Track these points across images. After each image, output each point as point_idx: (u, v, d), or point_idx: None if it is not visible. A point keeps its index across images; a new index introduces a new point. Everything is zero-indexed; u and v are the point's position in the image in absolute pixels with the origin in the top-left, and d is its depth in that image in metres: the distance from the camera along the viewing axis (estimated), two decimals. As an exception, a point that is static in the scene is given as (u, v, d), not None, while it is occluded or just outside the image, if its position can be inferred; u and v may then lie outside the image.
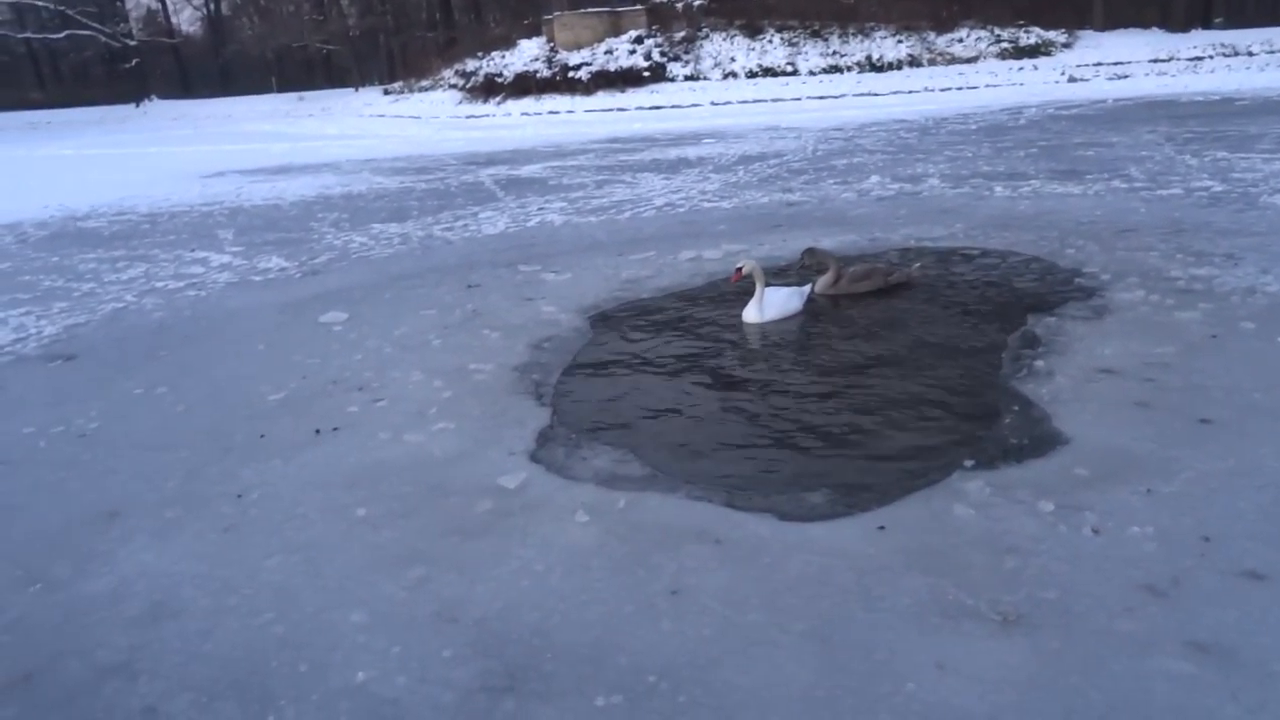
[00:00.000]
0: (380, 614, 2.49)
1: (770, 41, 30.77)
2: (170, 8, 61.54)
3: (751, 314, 4.93)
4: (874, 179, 9.64)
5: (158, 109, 47.15)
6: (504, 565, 2.68)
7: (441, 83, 36.75)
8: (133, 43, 54.45)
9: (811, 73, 28.80)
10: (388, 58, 54.29)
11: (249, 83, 57.73)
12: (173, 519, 3.15)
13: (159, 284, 7.05)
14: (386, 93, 41.58)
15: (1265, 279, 4.93)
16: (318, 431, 3.81)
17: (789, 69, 29.22)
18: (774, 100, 25.20)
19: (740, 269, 4.95)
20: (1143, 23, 31.50)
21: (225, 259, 7.88)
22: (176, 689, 2.25)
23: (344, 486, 3.28)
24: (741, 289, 5.18)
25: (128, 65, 53.17)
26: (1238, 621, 2.21)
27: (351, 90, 49.36)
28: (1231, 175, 8.22)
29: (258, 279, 7.02)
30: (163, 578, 2.77)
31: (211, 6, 63.75)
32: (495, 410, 3.92)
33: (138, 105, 48.19)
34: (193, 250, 8.38)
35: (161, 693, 2.25)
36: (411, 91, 38.78)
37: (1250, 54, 25.15)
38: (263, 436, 3.81)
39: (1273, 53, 24.94)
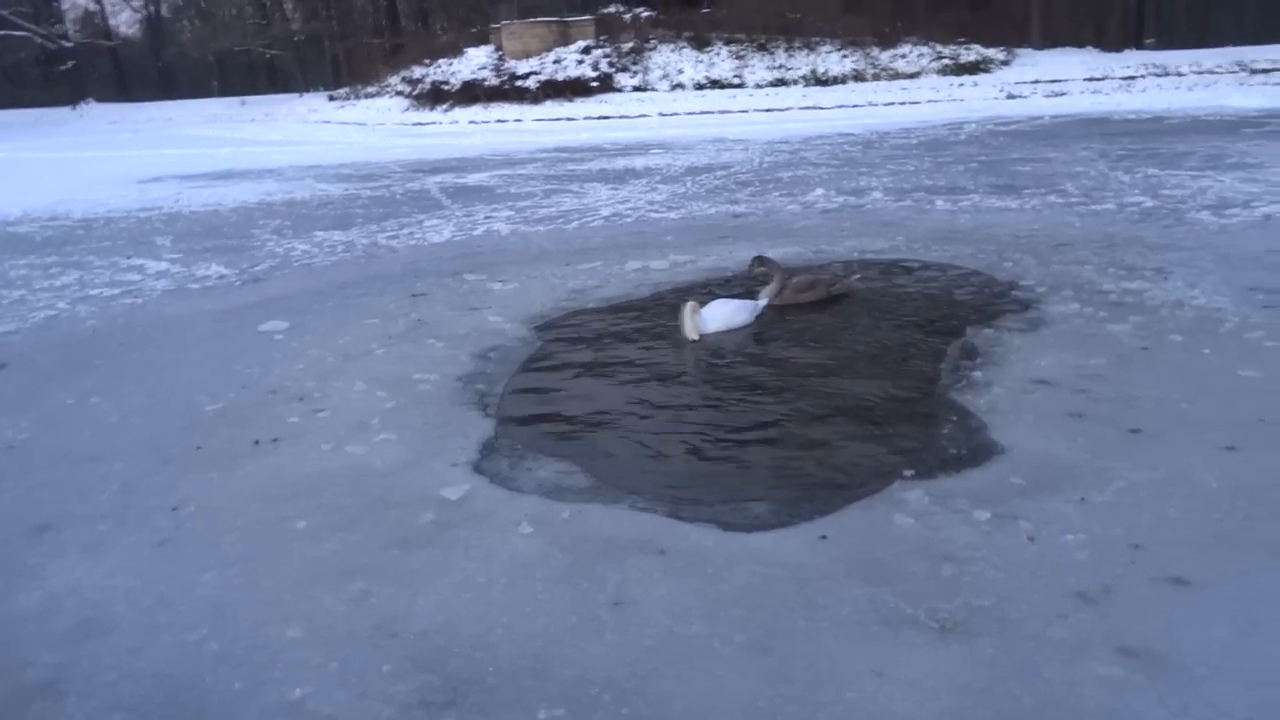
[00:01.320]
0: (319, 628, 2.45)
1: (718, 54, 31.06)
2: (108, 9, 60.07)
3: (710, 324, 4.92)
4: (819, 191, 9.77)
5: (95, 112, 46.00)
6: (446, 578, 2.66)
7: (388, 89, 36.44)
8: (69, 44, 53.04)
9: (758, 86, 29.12)
10: (333, 63, 53.62)
11: (190, 86, 56.64)
12: (105, 533, 3.07)
13: (93, 291, 6.87)
14: (331, 99, 41.06)
15: (1193, 293, 5.09)
16: (257, 442, 3.75)
17: (736, 81, 29.51)
18: (721, 112, 25.42)
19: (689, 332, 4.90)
20: (1078, 42, 32.40)
21: (163, 266, 7.71)
22: (106, 708, 2.19)
23: (283, 499, 3.23)
24: (694, 297, 5.20)
25: (64, 67, 51.79)
26: (1165, 627, 2.27)
27: (296, 95, 48.65)
28: (1161, 191, 8.48)
29: (196, 287, 6.89)
30: (94, 593, 2.70)
31: (151, 8, 62.39)
32: (439, 421, 3.88)
33: (74, 108, 46.98)
34: (129, 257, 8.19)
35: (90, 712, 2.18)
36: (357, 98, 38.36)
37: (1180, 74, 26.00)
38: (199, 448, 3.73)
39: (1200, 73, 25.80)
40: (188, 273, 7.39)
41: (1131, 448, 3.27)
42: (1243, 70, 25.53)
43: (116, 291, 6.81)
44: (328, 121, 33.75)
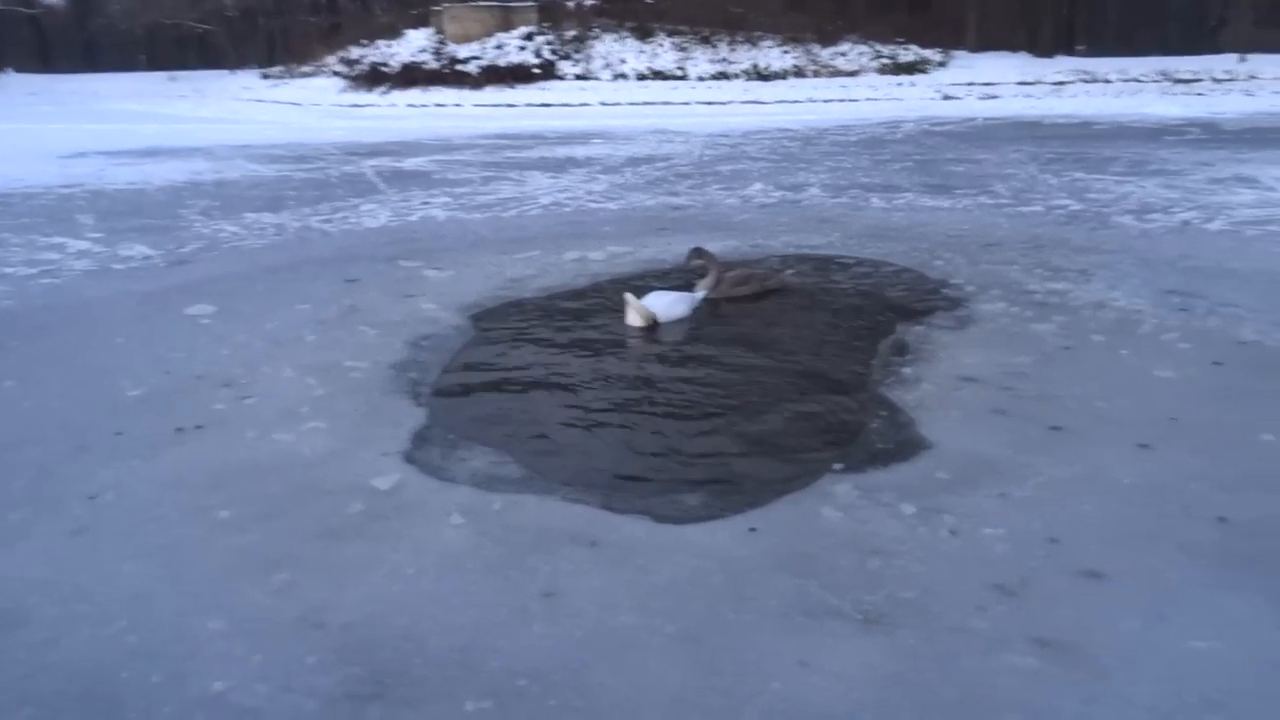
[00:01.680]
0: (242, 620, 2.40)
1: (661, 45, 31.05)
2: (30, -25, 57.77)
3: (647, 315, 4.93)
4: (757, 186, 9.84)
5: (14, 83, 44.17)
6: (374, 569, 2.63)
7: (324, 69, 35.66)
8: (-14, 11, 50.90)
9: (700, 78, 29.20)
10: (267, 41, 52.31)
11: (116, 59, 54.71)
12: (19, 521, 2.96)
13: (9, 270, 6.61)
14: (265, 77, 40.05)
15: (1114, 294, 5.26)
16: (180, 429, 3.65)
17: (678, 73, 29.55)
18: (663, 103, 25.43)
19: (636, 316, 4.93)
20: (1012, 46, 33.14)
21: (84, 245, 7.46)
22: (16, 703, 2.12)
23: (207, 487, 3.15)
24: (632, 289, 5.20)
25: (-21, 34, 49.67)
26: (1079, 619, 2.35)
27: (227, 72, 47.34)
28: (1087, 195, 8.73)
29: (119, 267, 6.68)
30: (6, 584, 2.60)
31: (76, -24, 60.14)
32: (370, 409, 3.83)
33: (-10, 78, 45.08)
34: (48, 235, 7.89)
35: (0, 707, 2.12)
36: (292, 77, 37.47)
37: (1107, 81, 26.77)
38: (120, 434, 3.63)
39: (1127, 81, 26.59)
40: (110, 253, 7.16)
41: (1052, 444, 3.37)
42: (1166, 80, 26.39)
43: (34, 271, 6.57)
44: (261, 100, 32.94)
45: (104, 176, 11.85)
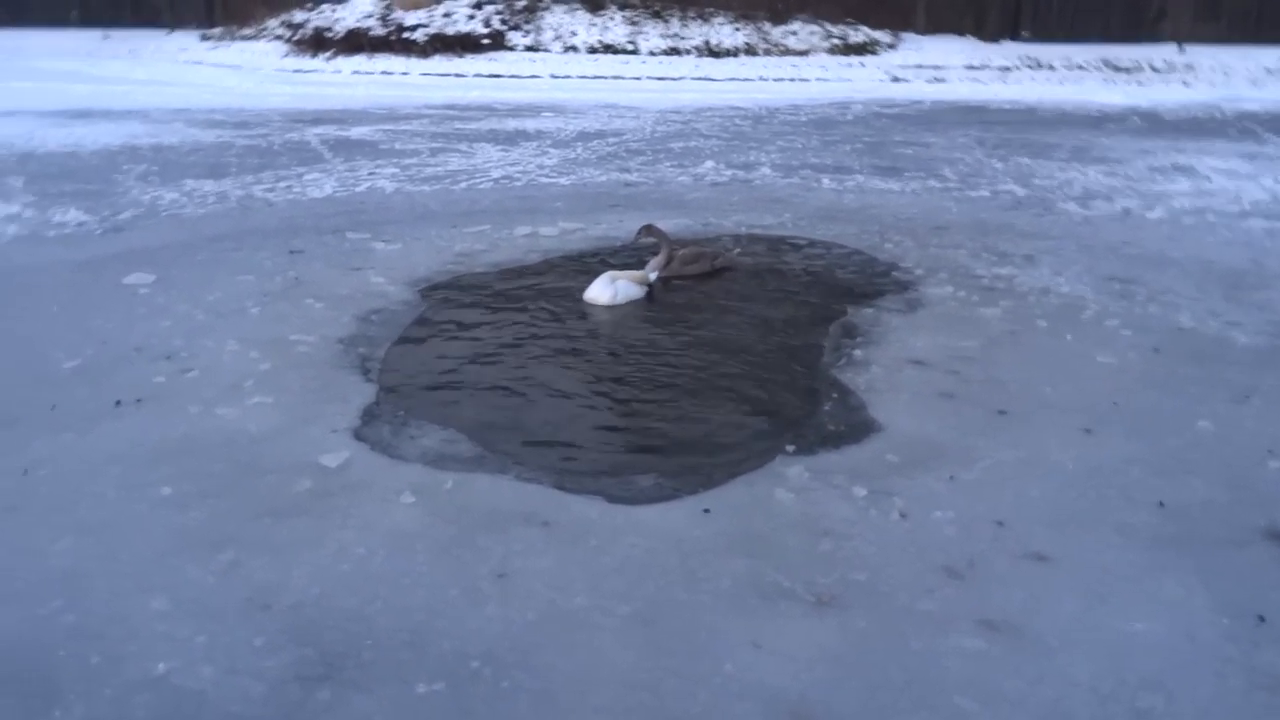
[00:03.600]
0: (185, 600, 2.34)
1: (612, 19, 30.75)
2: (-48, -77, 55.16)
3: (602, 294, 4.89)
4: (709, 164, 9.83)
5: (-66, 35, 42.27)
6: (322, 548, 2.58)
7: (266, 33, 34.68)
8: (-95, -42, 48.51)
9: (652, 53, 29.01)
10: (206, 0, 50.73)
11: (44, 14, 52.50)
12: (-56, 497, 2.85)
13: (-67, 233, 6.35)
14: (205, 38, 38.80)
15: (1058, 280, 5.36)
16: (118, 403, 3.54)
17: (630, 48, 29.32)
18: (614, 78, 25.24)
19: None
20: (960, 30, 33.42)
21: (14, 210, 7.17)
22: (-55, 686, 2.05)
23: (147, 463, 3.07)
24: (581, 269, 5.17)
25: (-102, -17, 47.36)
26: (1023, 601, 2.40)
27: (164, 32, 45.78)
28: (1032, 181, 8.87)
29: (52, 234, 6.44)
30: (-69, 563, 2.51)
31: (2, -74, 57.60)
32: (317, 385, 3.75)
33: (-91, 29, 43.08)
34: (-26, 197, 7.58)
35: (-74, 691, 2.04)
36: (232, 40, 36.35)
37: (1052, 68, 27.19)
38: (54, 407, 3.50)
39: (1070, 68, 27.04)
40: (42, 218, 6.90)
41: (997, 428, 3.43)
42: (1108, 68, 26.89)
43: (-40, 235, 6.31)
44: (199, 63, 31.92)
45: (34, 138, 11.40)
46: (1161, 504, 2.90)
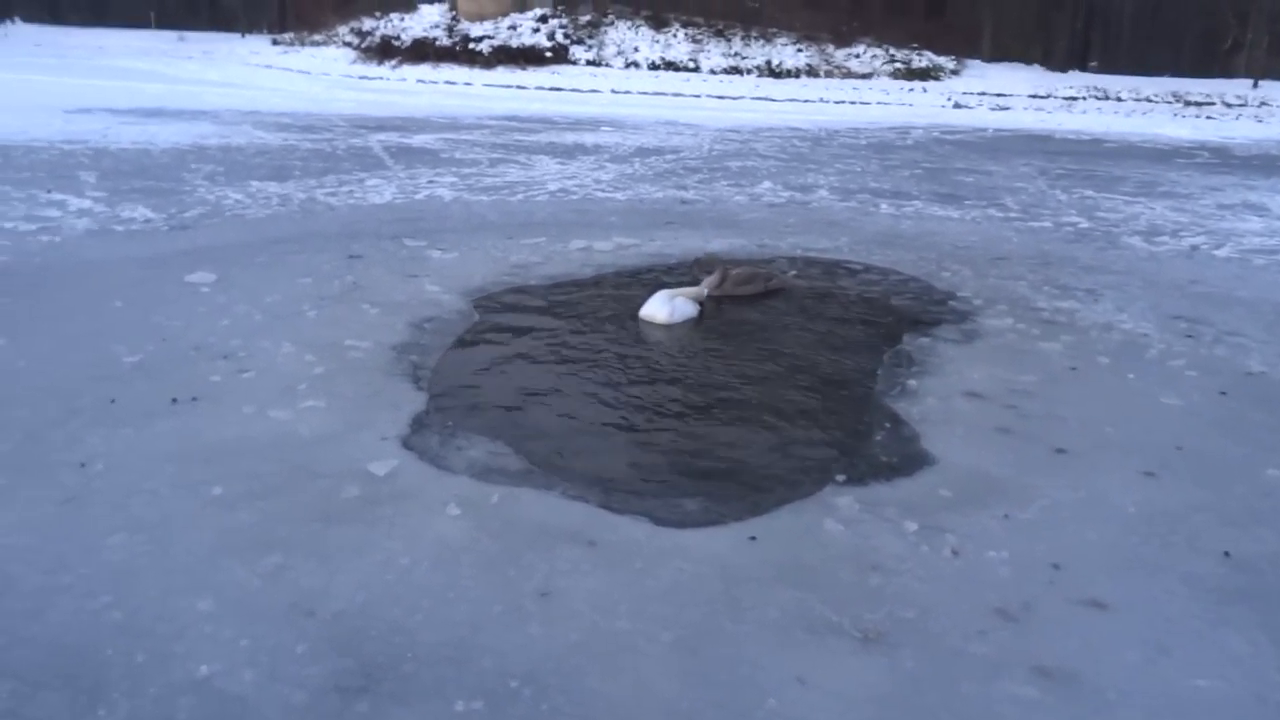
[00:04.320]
0: (230, 602, 2.35)
1: (675, 36, 30.90)
2: (42, -74, 57.11)
3: (660, 312, 4.86)
4: (766, 184, 9.78)
5: (20, 33, 43.79)
6: (368, 556, 2.58)
7: (335, 39, 35.44)
8: (-4, -42, 50.32)
9: (713, 71, 29.07)
10: (279, 6, 51.89)
11: (125, 14, 54.17)
12: (4, 486, 2.90)
13: (7, 225, 6.53)
14: (275, 43, 39.79)
15: (1121, 316, 5.23)
16: (175, 400, 3.60)
17: (691, 65, 29.41)
18: (674, 95, 25.31)
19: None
20: (1026, 59, 33.05)
21: (85, 204, 7.37)
22: (-5, 675, 2.08)
23: (200, 462, 3.10)
24: (635, 284, 5.16)
25: (-12, -18, 49.13)
26: (1080, 648, 2.32)
27: (238, 36, 47.01)
28: (1096, 214, 8.69)
29: (120, 229, 6.60)
30: (-12, 550, 2.55)
31: (89, -71, 59.50)
32: (369, 391, 3.78)
33: (-3, 26, 44.66)
34: (49, 191, 7.81)
35: (-23, 679, 2.07)
36: (303, 45, 37.23)
37: (1119, 99, 26.72)
38: (113, 401, 3.57)
39: (1139, 100, 26.56)
40: (112, 213, 7.08)
41: (1056, 467, 3.34)
42: (1178, 101, 26.36)
43: (33, 228, 6.49)
44: (270, 66, 32.70)
45: (108, 134, 11.74)
46: (1228, 554, 2.79)
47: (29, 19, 48.41)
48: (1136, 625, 2.43)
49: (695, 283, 5.37)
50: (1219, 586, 2.63)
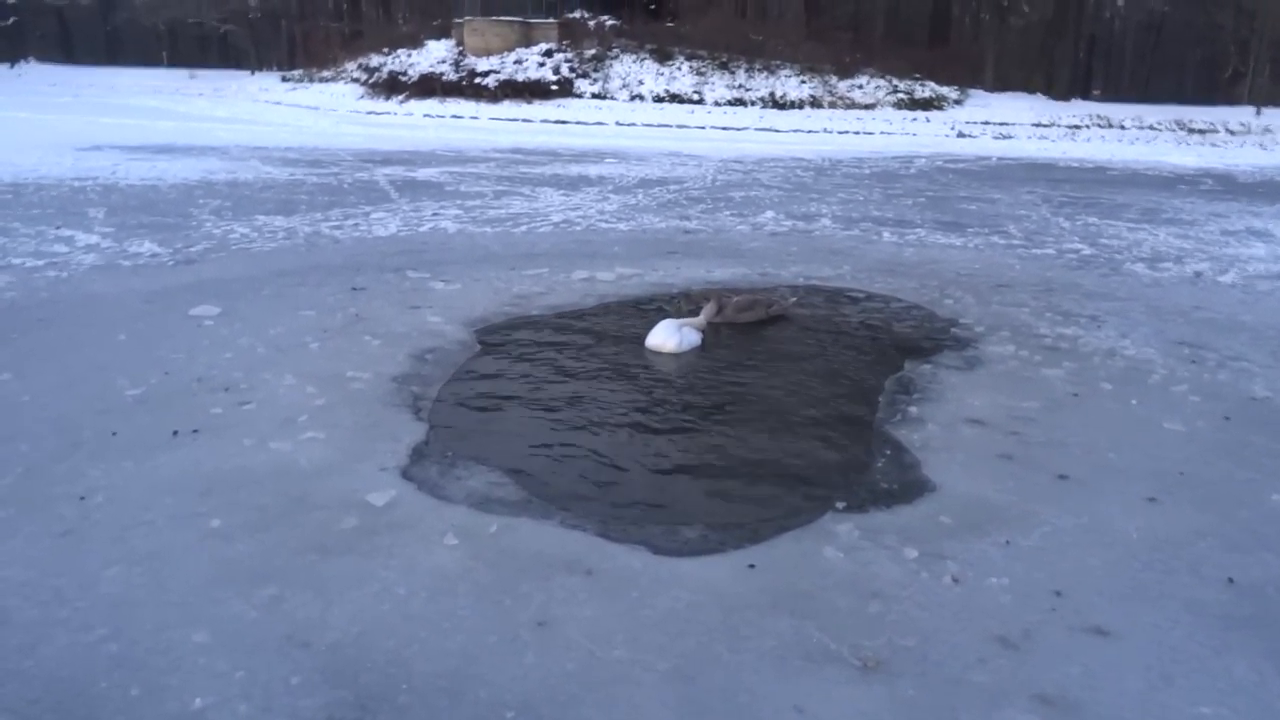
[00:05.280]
0: (226, 634, 2.34)
1: (679, 69, 31.20)
2: (57, -32, 58.15)
3: (668, 342, 4.87)
4: (769, 214, 9.83)
5: (35, 72, 44.49)
6: (364, 587, 2.57)
7: (343, 75, 35.88)
8: (12, 0, 51.23)
9: (717, 103, 29.31)
10: (289, 43, 52.63)
11: (137, 54, 55.09)
12: (3, 519, 2.91)
13: (15, 260, 6.60)
14: (284, 79, 40.30)
15: (1124, 343, 5.22)
16: (176, 433, 3.61)
17: (695, 97, 29.66)
18: (678, 126, 25.53)
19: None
20: (1029, 88, 33.28)
21: (93, 239, 7.45)
22: (-12, 709, 2.07)
23: (199, 494, 3.11)
24: (636, 314, 5.17)
25: (4, 24, 50.00)
26: (1082, 677, 2.29)
27: (247, 73, 47.67)
28: (1100, 240, 8.70)
29: (126, 263, 6.66)
30: (-14, 583, 2.55)
31: (103, -29, 60.55)
32: (369, 422, 3.79)
33: (12, 66, 45.39)
34: (58, 227, 7.89)
35: (-29, 712, 2.06)
36: (311, 81, 37.70)
37: (1123, 127, 26.84)
38: (115, 434, 3.58)
39: (1142, 128, 26.66)
40: (119, 248, 7.14)
41: (1058, 493, 3.32)
42: (1181, 129, 26.46)
43: (40, 263, 6.55)
44: (279, 103, 33.12)
45: (118, 171, 11.87)
46: (1231, 580, 2.76)
47: (43, 59, 49.21)
48: (1139, 652, 2.40)
49: (695, 313, 5.37)
50: (1223, 613, 2.60)
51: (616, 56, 31.70)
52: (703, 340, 5.04)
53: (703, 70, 31.15)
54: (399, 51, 33.87)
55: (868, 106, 29.47)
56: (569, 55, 31.51)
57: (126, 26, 56.17)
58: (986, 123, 27.07)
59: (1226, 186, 13.70)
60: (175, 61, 53.01)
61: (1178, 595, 2.68)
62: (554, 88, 29.87)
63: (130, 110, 25.40)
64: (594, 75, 30.77)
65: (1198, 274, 7.29)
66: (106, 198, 9.69)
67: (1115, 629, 2.50)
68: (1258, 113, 29.11)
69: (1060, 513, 3.16)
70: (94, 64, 50.55)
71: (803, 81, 30.64)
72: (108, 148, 14.75)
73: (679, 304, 5.47)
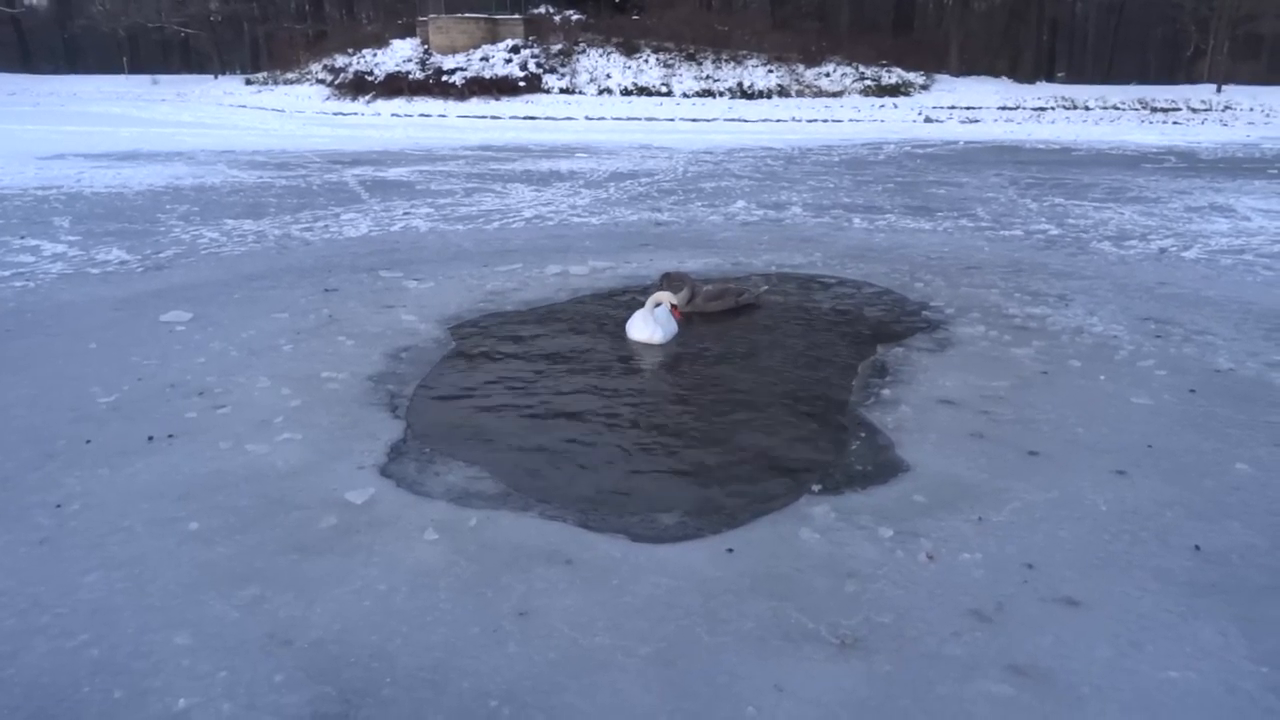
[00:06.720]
0: (208, 636, 2.35)
1: (646, 61, 31.19)
2: (12, -26, 57.23)
3: (654, 334, 4.87)
4: (740, 204, 9.87)
5: (-8, 82, 43.75)
6: (345, 585, 2.59)
7: (308, 77, 35.60)
8: (-35, 9, 50.41)
9: (685, 95, 29.33)
10: (252, 46, 52.15)
11: (98, 61, 54.38)
12: (-21, 530, 2.90)
13: (-19, 271, 6.52)
14: (249, 83, 39.94)
15: (1091, 320, 5.30)
16: (151, 438, 3.59)
17: (663, 89, 29.67)
18: (648, 119, 25.53)
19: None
20: (994, 72, 33.53)
21: (59, 248, 7.37)
22: (-29, 718, 2.07)
23: (176, 498, 3.10)
24: (610, 306, 5.19)
25: (-41, 32, 49.16)
26: (1053, 646, 2.34)
27: (211, 77, 47.17)
28: (1066, 220, 8.81)
29: (95, 271, 6.60)
30: (-37, 594, 2.54)
31: (59, -23, 59.66)
32: (346, 421, 3.79)
33: (-32, 76, 44.63)
34: (23, 237, 7.80)
35: (-47, 722, 2.06)
36: (276, 84, 37.37)
37: (1087, 108, 27.10)
38: (89, 442, 3.56)
39: (1106, 108, 26.94)
40: (86, 256, 7.07)
41: (1029, 470, 3.37)
42: (1144, 108, 26.75)
43: (7, 274, 6.48)
44: (244, 106, 32.81)
45: (82, 179, 11.74)
46: (1198, 548, 2.83)
47: (1, 69, 48.42)
48: (1109, 621, 2.46)
49: (677, 290, 5.36)
50: (1190, 580, 2.66)
51: (583, 51, 31.65)
52: (678, 326, 5.07)
53: (670, 62, 31.17)
54: (364, 51, 33.65)
55: (835, 94, 29.60)
56: (535, 51, 31.42)
57: (85, 33, 55.39)
58: (953, 107, 27.27)
59: (1190, 164, 13.89)
60: (136, 68, 52.29)
61: (1146, 564, 2.74)
62: (521, 84, 29.79)
63: (92, 118, 25.07)
64: (561, 70, 30.71)
65: (1162, 251, 7.40)
66: (72, 206, 9.58)
67: (1085, 599, 2.55)
68: (1219, 90, 29.50)
69: (1031, 488, 3.21)
70: (53, 72, 49.85)
71: (770, 71, 30.73)
72: (71, 156, 14.57)
73: (659, 285, 5.48)
